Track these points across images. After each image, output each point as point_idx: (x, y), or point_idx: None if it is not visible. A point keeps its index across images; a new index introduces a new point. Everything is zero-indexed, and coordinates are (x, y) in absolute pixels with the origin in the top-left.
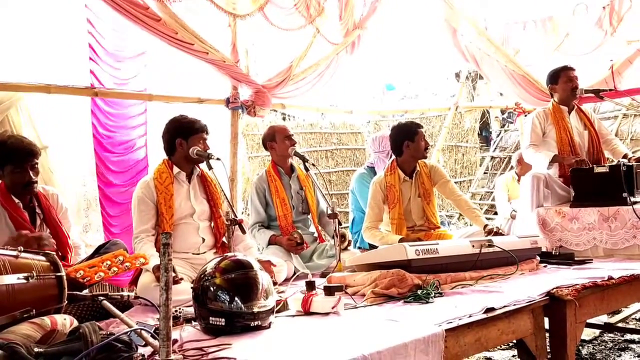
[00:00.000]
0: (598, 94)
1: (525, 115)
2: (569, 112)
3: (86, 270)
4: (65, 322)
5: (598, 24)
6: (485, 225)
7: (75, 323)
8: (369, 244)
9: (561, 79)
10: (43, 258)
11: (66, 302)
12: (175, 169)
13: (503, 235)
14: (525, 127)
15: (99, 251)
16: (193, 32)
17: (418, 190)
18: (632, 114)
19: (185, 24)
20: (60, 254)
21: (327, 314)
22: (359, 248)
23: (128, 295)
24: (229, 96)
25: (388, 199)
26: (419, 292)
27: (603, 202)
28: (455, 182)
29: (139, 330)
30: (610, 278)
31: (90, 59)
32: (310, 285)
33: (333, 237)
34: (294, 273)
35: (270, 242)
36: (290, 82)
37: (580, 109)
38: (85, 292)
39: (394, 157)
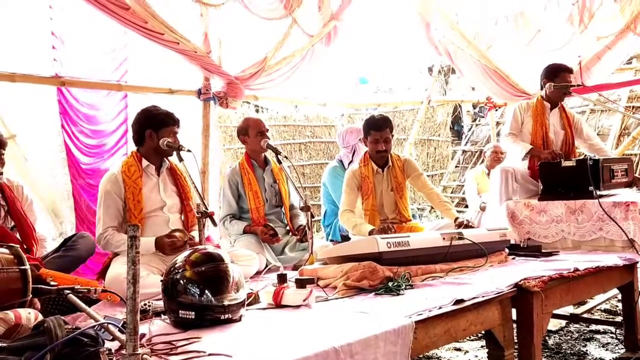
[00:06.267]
0: (566, 89)
1: (496, 110)
2: (551, 109)
3: (57, 278)
4: (29, 316)
5: (569, 20)
6: (456, 218)
7: (40, 317)
8: (341, 236)
9: (559, 79)
10: (7, 251)
11: (30, 296)
12: (144, 162)
13: (473, 227)
14: (506, 116)
15: (65, 244)
16: (163, 22)
17: (391, 183)
18: (599, 109)
19: (156, 13)
20: (25, 246)
21: (298, 306)
22: (331, 240)
23: (95, 290)
24: (200, 87)
25: (362, 189)
26: (390, 284)
27: (570, 196)
28: (427, 176)
29: (105, 324)
30: (576, 270)
31: (54, 47)
32: (282, 278)
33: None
34: (266, 266)
35: (245, 231)
36: (264, 74)
37: (563, 108)
38: None
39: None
